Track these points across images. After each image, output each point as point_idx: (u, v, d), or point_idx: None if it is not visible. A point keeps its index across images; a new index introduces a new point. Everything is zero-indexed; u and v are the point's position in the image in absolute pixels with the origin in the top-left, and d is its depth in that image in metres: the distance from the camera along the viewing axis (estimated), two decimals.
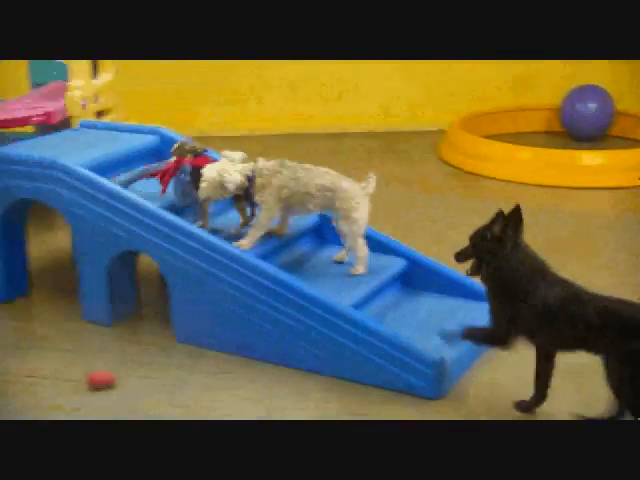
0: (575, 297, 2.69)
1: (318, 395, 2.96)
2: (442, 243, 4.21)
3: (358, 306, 3.13)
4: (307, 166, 3.31)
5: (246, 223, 3.40)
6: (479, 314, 3.24)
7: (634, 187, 5.22)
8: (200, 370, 3.13)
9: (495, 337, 2.80)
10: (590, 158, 5.42)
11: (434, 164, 5.84)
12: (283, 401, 2.92)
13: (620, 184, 5.23)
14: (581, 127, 6.17)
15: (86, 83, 4.52)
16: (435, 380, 2.89)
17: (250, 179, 3.26)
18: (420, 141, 6.39)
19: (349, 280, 3.30)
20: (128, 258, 3.45)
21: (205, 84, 6.39)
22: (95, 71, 4.88)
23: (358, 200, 3.25)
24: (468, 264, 2.81)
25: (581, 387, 2.98)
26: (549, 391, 2.83)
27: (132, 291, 3.56)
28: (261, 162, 3.31)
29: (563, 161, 5.41)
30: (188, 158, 3.39)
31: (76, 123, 4.19)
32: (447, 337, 2.92)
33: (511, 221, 2.72)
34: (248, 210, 3.43)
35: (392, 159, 5.98)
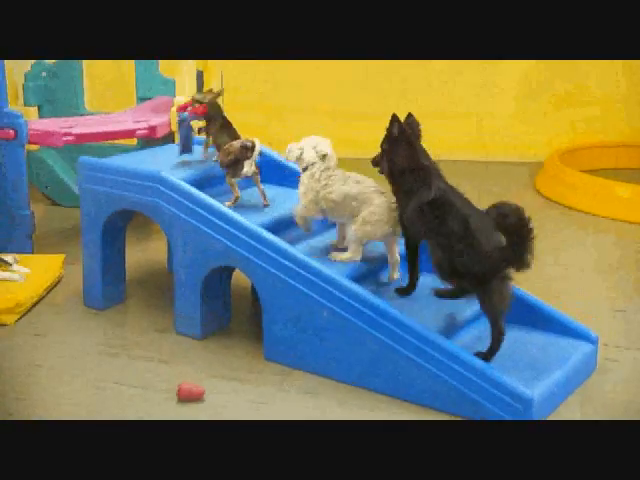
0: (445, 203, 3.06)
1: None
2: (535, 276, 4.16)
3: (449, 335, 3.11)
4: (344, 174, 3.33)
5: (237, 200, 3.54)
6: (570, 350, 3.21)
7: None
8: (288, 389, 3.15)
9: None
10: None
11: (530, 196, 5.76)
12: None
13: None
14: None
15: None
16: (525, 416, 2.84)
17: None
18: (517, 172, 6.33)
19: (440, 309, 3.28)
20: (224, 273, 3.50)
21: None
22: (201, 87, 4.99)
23: (381, 219, 3.23)
24: None
25: None
26: None
27: (226, 306, 3.60)
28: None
29: None
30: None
31: None
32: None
33: (407, 124, 3.17)
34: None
35: (487, 188, 5.94)
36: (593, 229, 5.07)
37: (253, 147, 3.50)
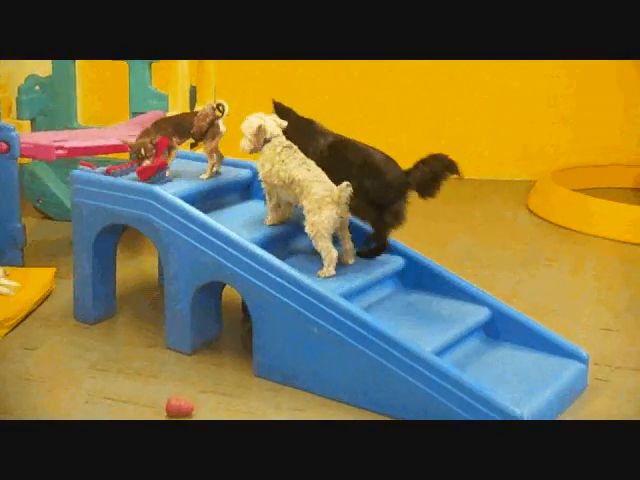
0: (342, 143, 3.48)
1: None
2: (525, 294, 4.17)
3: (440, 352, 3.10)
4: (304, 159, 3.40)
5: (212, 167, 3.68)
6: (560, 369, 3.21)
7: None
8: (277, 406, 3.14)
9: None
10: None
11: (522, 214, 5.78)
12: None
13: None
14: None
15: None
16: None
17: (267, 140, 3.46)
18: (508, 191, 6.34)
19: (432, 326, 3.29)
20: (214, 288, 3.50)
21: None
22: (194, 102, 5.00)
23: (320, 205, 3.27)
24: None
25: None
26: None
27: (216, 321, 3.60)
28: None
29: None
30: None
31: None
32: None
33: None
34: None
35: (479, 206, 5.95)
36: (583, 247, 5.08)
37: (222, 106, 3.61)
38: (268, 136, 3.44)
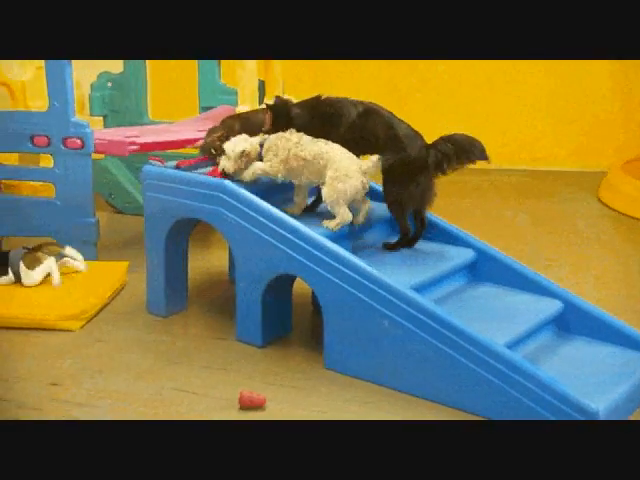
0: (370, 113, 3.48)
1: None
2: (601, 287, 4.10)
3: (512, 346, 3.07)
4: (312, 138, 3.46)
5: None
6: (636, 363, 3.15)
7: None
8: (347, 398, 3.14)
9: None
10: None
11: (593, 206, 5.70)
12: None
13: None
14: None
15: (253, 108, 4.64)
16: None
17: (262, 145, 3.49)
18: (580, 182, 6.26)
19: (504, 319, 3.25)
20: (285, 282, 3.52)
21: None
22: (262, 97, 5.03)
23: (348, 173, 3.34)
24: None
25: None
26: None
27: (287, 314, 3.62)
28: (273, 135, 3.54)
29: None
30: None
31: None
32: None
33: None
34: None
35: (548, 198, 5.89)
36: None
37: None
38: (252, 157, 3.50)
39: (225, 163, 3.50)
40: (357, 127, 3.47)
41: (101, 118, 5.47)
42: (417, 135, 3.45)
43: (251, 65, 4.98)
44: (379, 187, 3.59)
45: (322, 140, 3.46)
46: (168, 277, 3.78)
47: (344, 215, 3.40)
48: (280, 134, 3.51)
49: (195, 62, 5.10)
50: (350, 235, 3.52)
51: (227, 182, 3.48)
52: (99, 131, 4.70)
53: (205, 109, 5.08)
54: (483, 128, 6.62)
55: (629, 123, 6.53)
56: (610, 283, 4.30)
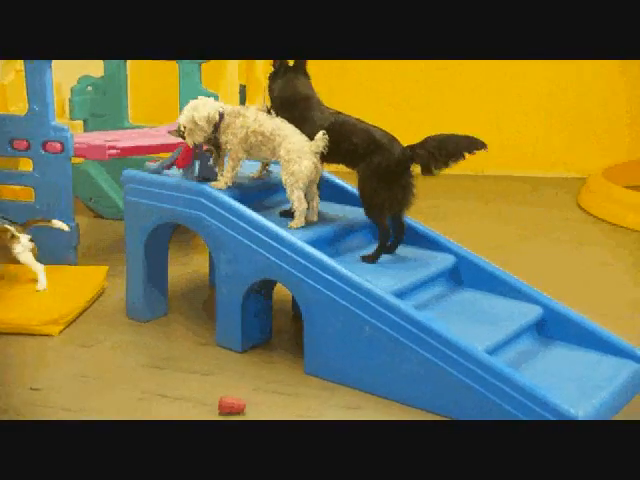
0: (341, 125, 3.45)
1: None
2: (581, 295, 4.12)
3: (493, 351, 3.08)
4: (268, 115, 3.52)
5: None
6: (616, 369, 3.16)
7: None
8: (329, 404, 3.14)
9: None
10: None
11: (574, 212, 5.73)
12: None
13: None
14: None
15: None
16: None
17: (221, 116, 3.48)
18: (561, 188, 6.29)
19: (484, 324, 3.26)
20: (266, 286, 3.51)
21: None
22: (244, 101, 5.03)
23: (300, 155, 3.38)
24: None
25: None
26: None
27: (267, 320, 3.61)
28: (231, 106, 3.58)
29: None
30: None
31: None
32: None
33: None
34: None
35: (532, 204, 5.91)
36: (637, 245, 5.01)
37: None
38: (203, 128, 3.48)
39: (195, 136, 3.48)
40: (332, 134, 3.43)
41: (81, 122, 5.44)
42: (394, 138, 3.45)
43: (232, 69, 4.99)
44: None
45: (278, 117, 3.50)
46: (148, 282, 3.77)
47: (301, 203, 3.42)
48: (236, 110, 3.53)
49: (176, 66, 5.08)
50: (331, 240, 3.53)
51: (208, 187, 3.47)
52: (79, 135, 4.67)
53: None
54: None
55: (611, 129, 6.57)
56: (591, 289, 4.32)
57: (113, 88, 5.40)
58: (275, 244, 3.31)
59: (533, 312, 3.40)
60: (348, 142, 3.44)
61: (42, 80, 4.18)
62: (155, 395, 3.19)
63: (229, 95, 4.95)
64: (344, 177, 3.86)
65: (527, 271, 3.94)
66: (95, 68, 5.36)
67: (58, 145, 4.23)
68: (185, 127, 3.48)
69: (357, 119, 3.50)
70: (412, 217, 3.63)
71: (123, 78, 5.41)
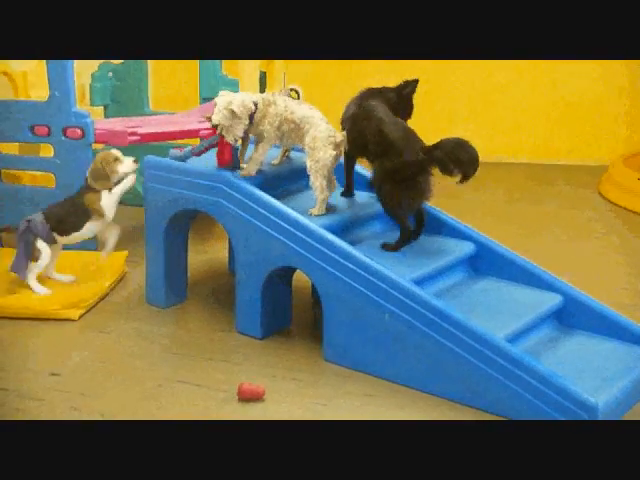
0: (362, 116, 3.46)
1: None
2: (597, 281, 4.09)
3: (512, 340, 3.06)
4: (296, 100, 3.57)
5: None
6: (636, 357, 3.15)
7: None
8: (347, 391, 3.14)
9: None
10: None
11: (594, 200, 5.69)
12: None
13: None
14: None
15: None
16: None
17: (256, 105, 3.45)
18: (580, 176, 6.24)
19: (504, 313, 3.24)
20: (285, 274, 3.51)
21: None
22: (264, 88, 5.02)
23: (326, 143, 3.42)
24: None
25: None
26: None
27: (287, 306, 3.61)
28: (258, 94, 3.56)
29: None
30: None
31: None
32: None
33: None
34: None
35: (549, 192, 5.88)
36: None
37: (297, 90, 3.72)
38: (240, 116, 3.43)
39: (232, 132, 3.45)
40: (353, 128, 3.47)
41: (102, 108, 5.46)
42: (411, 137, 3.37)
43: None
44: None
45: (304, 103, 3.53)
46: (167, 268, 3.78)
47: (323, 191, 3.45)
48: (267, 98, 3.51)
49: None
50: (350, 227, 3.52)
51: (228, 173, 3.47)
52: (100, 121, 4.69)
53: (206, 100, 5.05)
54: (485, 124, 6.63)
55: (632, 118, 6.52)
56: (611, 277, 4.30)
57: (133, 74, 5.40)
58: (294, 231, 3.31)
59: (553, 300, 3.38)
60: (362, 137, 3.44)
61: (63, 66, 4.18)
62: (175, 382, 3.20)
63: (249, 82, 4.93)
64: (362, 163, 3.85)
65: (547, 259, 3.92)
66: None
67: (79, 131, 4.24)
68: (223, 125, 3.44)
69: (383, 109, 3.46)
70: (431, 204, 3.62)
71: (143, 64, 5.42)
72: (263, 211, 3.37)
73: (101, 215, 3.84)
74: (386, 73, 6.51)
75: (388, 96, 3.57)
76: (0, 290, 3.81)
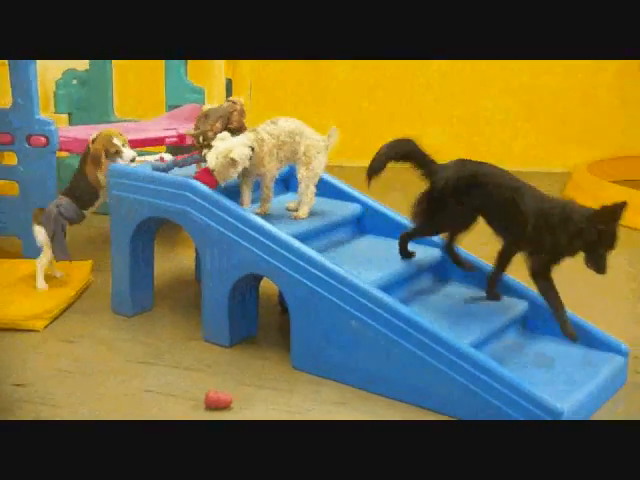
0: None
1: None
2: (565, 288, 4.12)
3: (478, 345, 3.08)
4: (274, 119, 3.55)
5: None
6: (600, 362, 3.18)
7: None
8: (317, 399, 3.13)
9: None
10: None
11: None
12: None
13: None
14: None
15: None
16: None
17: (253, 149, 3.44)
18: (545, 183, 6.29)
19: (470, 319, 3.27)
20: (252, 282, 3.50)
21: None
22: (229, 96, 5.00)
23: (319, 150, 3.48)
24: None
25: None
26: None
27: (253, 315, 3.60)
28: (256, 132, 3.49)
29: None
30: None
31: None
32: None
33: None
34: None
35: None
36: (624, 241, 5.01)
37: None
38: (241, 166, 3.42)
39: (224, 176, 3.43)
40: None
41: (66, 116, 5.42)
42: (451, 164, 3.38)
43: (218, 63, 4.97)
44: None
45: (278, 119, 3.52)
46: (133, 276, 3.75)
47: (312, 196, 3.53)
48: (260, 134, 3.45)
49: (162, 60, 5.06)
50: (318, 235, 3.52)
51: (194, 181, 3.46)
52: (64, 129, 4.65)
53: (172, 107, 5.04)
54: (450, 129, 6.67)
55: (595, 125, 6.59)
56: (575, 283, 4.33)
57: (98, 81, 5.38)
58: (261, 238, 3.30)
59: (519, 306, 3.42)
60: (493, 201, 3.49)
61: (26, 73, 4.15)
62: (141, 391, 3.18)
63: (216, 89, 4.93)
64: (331, 173, 3.86)
65: (513, 266, 3.94)
66: (80, 61, 5.33)
67: (43, 139, 4.21)
68: (218, 170, 3.42)
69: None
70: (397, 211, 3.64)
71: (108, 71, 5.39)
72: (230, 218, 3.36)
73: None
74: (351, 72, 6.55)
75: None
76: None
